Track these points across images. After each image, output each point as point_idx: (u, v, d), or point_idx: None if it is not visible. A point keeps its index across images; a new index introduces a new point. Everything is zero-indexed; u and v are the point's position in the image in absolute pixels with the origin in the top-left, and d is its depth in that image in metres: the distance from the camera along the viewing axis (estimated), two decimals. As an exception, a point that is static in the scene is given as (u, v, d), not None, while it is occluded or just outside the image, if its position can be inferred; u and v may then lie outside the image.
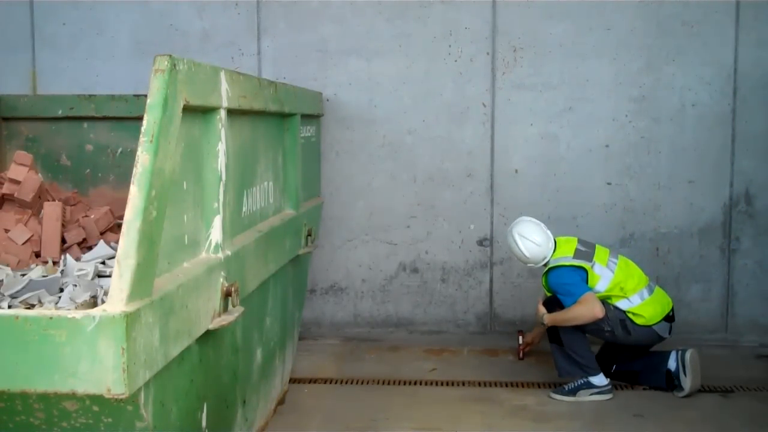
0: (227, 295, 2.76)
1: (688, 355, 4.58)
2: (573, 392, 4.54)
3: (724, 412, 4.37)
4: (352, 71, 5.62)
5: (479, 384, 4.81)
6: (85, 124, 4.49)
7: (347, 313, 5.78)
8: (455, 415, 4.33)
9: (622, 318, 4.52)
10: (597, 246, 4.70)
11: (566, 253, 4.60)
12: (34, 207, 3.72)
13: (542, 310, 4.61)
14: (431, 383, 4.84)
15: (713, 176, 5.54)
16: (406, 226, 5.69)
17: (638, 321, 4.53)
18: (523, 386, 4.77)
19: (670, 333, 4.67)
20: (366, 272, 5.74)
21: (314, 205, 4.74)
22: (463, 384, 4.80)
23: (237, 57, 5.64)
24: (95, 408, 2.08)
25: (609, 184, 5.58)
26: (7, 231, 3.55)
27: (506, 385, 4.79)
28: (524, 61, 5.55)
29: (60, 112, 4.46)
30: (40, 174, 3.93)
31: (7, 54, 5.71)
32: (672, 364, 4.61)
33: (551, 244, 4.64)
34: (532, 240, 4.61)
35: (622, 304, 4.53)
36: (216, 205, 2.76)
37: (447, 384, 4.83)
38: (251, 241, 3.17)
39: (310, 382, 4.84)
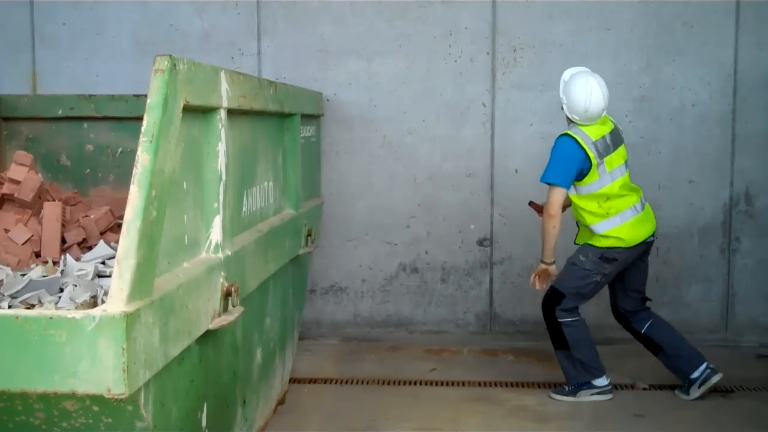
0: (227, 295, 2.76)
1: (715, 378, 4.50)
2: (573, 392, 4.53)
3: (724, 412, 4.37)
4: (352, 71, 5.62)
5: (479, 384, 4.81)
6: (85, 124, 4.49)
7: (347, 313, 5.78)
8: (455, 415, 4.33)
9: (600, 254, 4.41)
10: (620, 147, 4.48)
11: (590, 133, 4.37)
12: (34, 207, 3.71)
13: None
14: (431, 383, 4.84)
15: (713, 176, 5.54)
16: (406, 226, 5.69)
17: (619, 245, 4.38)
18: (523, 386, 4.77)
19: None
20: (366, 272, 5.74)
21: (314, 205, 4.74)
22: (463, 384, 4.80)
23: (237, 57, 5.64)
24: (95, 408, 2.08)
25: (609, 184, 5.57)
26: (7, 231, 3.55)
27: (506, 385, 4.79)
28: (524, 61, 5.55)
29: (60, 112, 4.46)
30: (40, 174, 3.93)
31: (7, 54, 5.71)
32: (696, 374, 4.52)
33: (584, 108, 4.34)
34: (572, 91, 4.37)
35: (599, 226, 4.39)
36: (216, 205, 2.76)
37: (447, 384, 4.83)
38: (251, 241, 3.17)
39: (310, 382, 4.84)
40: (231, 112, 2.87)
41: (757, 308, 5.59)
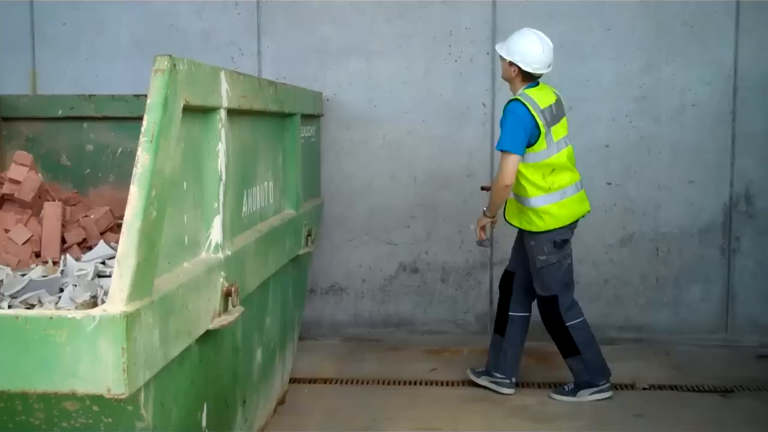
0: (227, 295, 2.76)
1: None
2: (573, 392, 4.53)
3: (724, 412, 4.37)
4: (352, 71, 5.62)
5: (479, 384, 4.80)
6: (85, 124, 4.48)
7: (347, 313, 5.78)
8: (455, 415, 4.33)
9: (551, 242, 4.42)
10: (563, 119, 4.48)
11: (538, 100, 4.34)
12: (34, 207, 3.71)
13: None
14: (431, 383, 4.84)
15: (713, 176, 5.54)
16: (406, 226, 5.69)
17: (558, 225, 4.38)
18: (523, 386, 4.77)
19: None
20: (366, 272, 5.74)
21: (314, 205, 4.74)
22: (463, 384, 4.80)
23: (237, 57, 5.64)
24: (95, 408, 2.08)
25: (609, 184, 5.58)
26: (7, 231, 3.55)
27: (506, 385, 4.78)
28: (524, 61, 5.54)
29: (60, 112, 4.46)
30: (40, 174, 3.92)
31: (7, 54, 5.70)
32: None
33: (540, 55, 4.33)
34: (525, 43, 4.34)
35: (537, 200, 4.38)
36: (216, 205, 2.76)
37: (447, 384, 4.83)
38: (251, 241, 3.17)
39: (310, 382, 4.84)
40: (231, 112, 2.87)
41: (757, 308, 5.59)
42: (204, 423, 2.73)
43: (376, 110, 5.64)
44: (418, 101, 5.61)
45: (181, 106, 2.34)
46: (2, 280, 3.03)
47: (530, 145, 4.33)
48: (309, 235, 4.37)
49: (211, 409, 2.79)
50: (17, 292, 2.90)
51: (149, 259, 2.14)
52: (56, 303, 2.84)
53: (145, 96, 2.22)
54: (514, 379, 4.64)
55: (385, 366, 5.15)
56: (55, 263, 3.40)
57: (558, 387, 4.62)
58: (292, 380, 4.66)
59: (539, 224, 4.41)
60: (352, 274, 5.75)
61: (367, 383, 4.83)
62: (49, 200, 3.80)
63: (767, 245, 5.57)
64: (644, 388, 4.72)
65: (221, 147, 2.77)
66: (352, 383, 4.86)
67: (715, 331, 5.61)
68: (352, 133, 5.65)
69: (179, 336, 2.34)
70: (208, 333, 2.63)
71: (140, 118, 2.21)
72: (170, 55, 2.27)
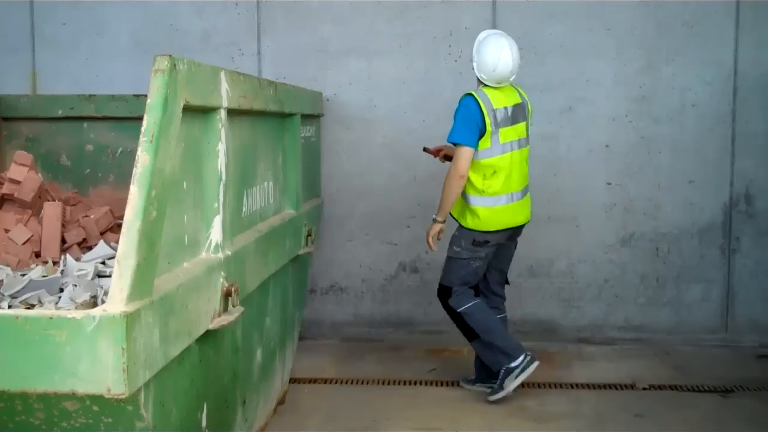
0: (227, 295, 2.76)
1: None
2: (501, 387, 4.46)
3: (724, 412, 4.37)
4: (352, 71, 5.62)
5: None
6: (85, 124, 4.48)
7: (347, 313, 5.77)
8: (455, 415, 4.33)
9: (471, 239, 4.42)
10: (521, 124, 4.46)
11: (493, 99, 4.34)
12: (34, 207, 3.71)
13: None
14: (431, 383, 4.84)
15: (713, 176, 5.54)
16: (406, 226, 5.69)
17: (486, 228, 4.39)
18: (523, 386, 4.75)
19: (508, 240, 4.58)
20: (366, 272, 5.74)
21: (314, 205, 4.74)
22: (463, 384, 4.80)
23: (237, 57, 5.64)
24: (95, 408, 2.08)
25: (609, 184, 5.58)
26: (7, 231, 3.55)
27: (506, 385, 4.78)
28: (524, 61, 5.52)
29: (60, 112, 4.46)
30: (40, 174, 3.92)
31: (7, 54, 5.70)
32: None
33: (492, 68, 4.31)
34: (484, 50, 4.34)
35: (472, 198, 4.40)
36: (216, 205, 2.76)
37: (447, 384, 4.83)
38: (251, 241, 3.17)
39: (310, 382, 4.84)
40: (231, 112, 2.87)
41: (757, 308, 5.59)
42: (204, 423, 2.73)
43: (376, 110, 5.64)
44: (418, 101, 5.61)
45: (181, 106, 2.35)
46: (2, 280, 3.03)
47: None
48: (309, 235, 4.37)
49: (211, 409, 2.79)
50: (17, 292, 2.91)
51: (149, 259, 2.14)
52: (56, 303, 2.84)
53: (145, 96, 2.22)
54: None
55: (385, 366, 5.15)
56: (55, 263, 3.40)
57: (489, 389, 4.54)
58: (292, 380, 4.66)
59: (468, 221, 4.44)
60: (352, 274, 5.74)
61: (367, 383, 4.83)
62: (49, 200, 3.80)
63: (767, 245, 5.57)
64: (644, 388, 4.72)
65: (221, 147, 2.77)
66: (352, 383, 4.86)
67: (715, 331, 5.61)
68: (352, 133, 5.65)
69: (179, 336, 2.34)
70: (208, 333, 2.63)
71: (140, 118, 2.21)
72: (170, 55, 2.27)
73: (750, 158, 5.51)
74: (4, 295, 2.89)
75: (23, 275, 3.11)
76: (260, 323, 3.60)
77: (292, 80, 5.27)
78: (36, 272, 3.15)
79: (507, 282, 4.77)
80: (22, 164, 3.78)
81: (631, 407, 4.43)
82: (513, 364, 4.42)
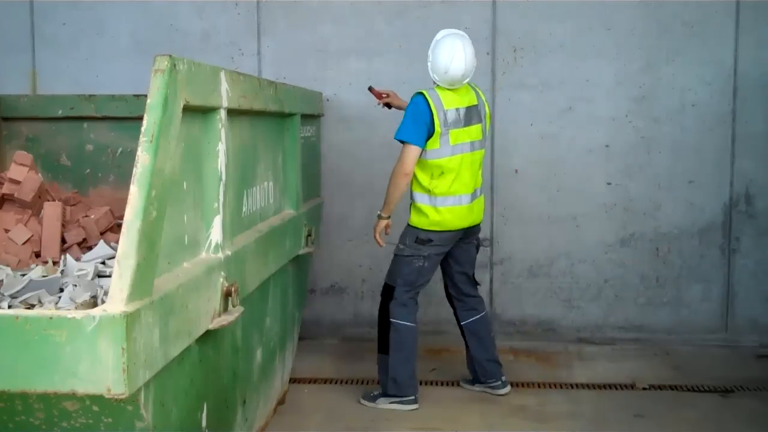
0: (227, 295, 2.76)
1: (502, 390, 4.54)
2: (375, 400, 4.47)
3: (724, 412, 4.37)
4: (352, 71, 5.62)
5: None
6: (85, 124, 4.48)
7: (347, 313, 5.77)
8: (455, 415, 4.33)
9: (415, 236, 4.40)
10: (476, 126, 4.39)
11: (445, 100, 4.29)
12: (34, 207, 3.71)
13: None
14: (431, 383, 4.84)
15: (713, 176, 5.54)
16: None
17: (432, 227, 4.35)
18: (523, 386, 4.77)
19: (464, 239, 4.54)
20: (366, 272, 5.73)
21: (314, 205, 4.74)
22: (463, 384, 4.80)
23: (237, 57, 5.64)
24: (95, 408, 2.08)
25: (609, 184, 5.58)
26: (7, 231, 3.55)
27: (506, 385, 4.78)
28: (524, 61, 5.55)
29: (60, 112, 4.46)
30: (40, 174, 3.92)
31: (7, 54, 5.70)
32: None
33: (444, 69, 4.25)
34: (437, 51, 4.29)
35: (418, 196, 4.38)
36: (216, 205, 2.76)
37: (447, 384, 4.83)
38: (251, 241, 3.17)
39: (310, 382, 4.84)
40: (231, 112, 2.87)
41: (757, 308, 5.59)
42: (204, 423, 2.73)
43: (376, 110, 5.63)
44: (418, 101, 5.60)
45: (181, 106, 2.35)
46: (2, 280, 3.03)
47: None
48: (309, 235, 4.37)
49: (211, 409, 2.79)
50: (17, 292, 2.90)
51: (149, 259, 2.14)
52: (56, 303, 2.84)
53: (145, 96, 2.22)
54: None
55: (385, 366, 5.15)
56: (55, 263, 3.40)
57: (366, 392, 4.56)
58: (292, 380, 4.66)
59: (412, 218, 4.43)
60: (352, 274, 5.74)
61: (367, 383, 4.82)
62: (49, 200, 3.80)
63: (767, 245, 5.57)
64: (644, 388, 4.72)
65: (221, 147, 2.77)
66: (352, 383, 4.86)
67: (715, 331, 5.61)
68: (352, 133, 5.65)
69: (179, 336, 2.34)
70: (208, 333, 2.63)
71: (140, 118, 2.21)
72: (170, 55, 2.27)
73: (750, 158, 5.51)
74: (4, 295, 2.89)
75: (23, 275, 3.11)
76: (260, 323, 3.60)
77: (292, 80, 5.27)
78: (36, 272, 3.15)
79: (477, 283, 4.73)
80: (22, 164, 3.78)
81: (631, 407, 4.43)
82: (398, 393, 4.41)
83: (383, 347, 4.50)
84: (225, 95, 2.78)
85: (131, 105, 4.40)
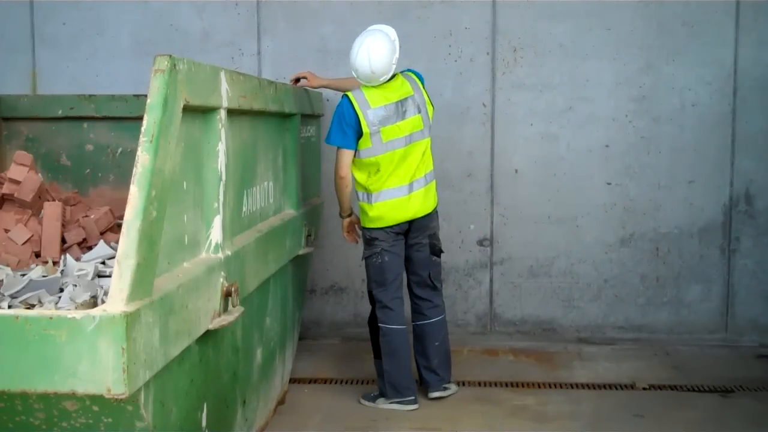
0: (227, 295, 2.76)
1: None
2: (375, 400, 4.46)
3: (724, 412, 4.37)
4: (352, 71, 5.60)
5: (479, 384, 4.81)
6: (85, 124, 4.49)
7: (347, 313, 5.77)
8: (455, 415, 4.33)
9: (365, 236, 4.41)
10: (414, 117, 4.32)
11: (371, 99, 4.24)
12: (34, 207, 3.72)
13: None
14: (431, 383, 4.83)
15: (713, 176, 5.54)
16: (406, 226, 5.67)
17: (374, 225, 4.34)
18: (523, 386, 4.77)
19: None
20: (366, 272, 5.72)
21: (314, 205, 4.74)
22: (463, 384, 4.79)
23: (237, 57, 5.64)
24: (95, 408, 2.08)
25: (609, 184, 5.58)
26: (7, 231, 3.55)
27: (506, 385, 4.79)
28: (524, 61, 5.55)
29: (60, 112, 4.46)
30: (40, 174, 3.93)
31: (7, 54, 5.70)
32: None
33: (353, 67, 4.25)
34: (351, 51, 4.26)
35: (359, 194, 4.38)
36: (216, 205, 2.76)
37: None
38: (251, 241, 3.17)
39: (310, 382, 4.84)
40: (231, 112, 2.87)
41: (757, 308, 5.59)
42: (204, 423, 2.73)
43: (376, 110, 5.63)
44: (418, 101, 5.60)
45: (181, 106, 2.35)
46: (2, 280, 3.03)
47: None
48: (309, 235, 4.37)
49: (211, 409, 2.79)
50: (17, 292, 2.91)
51: (149, 259, 2.14)
52: (56, 303, 2.84)
53: (145, 96, 2.22)
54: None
55: (385, 366, 5.14)
56: (55, 263, 3.40)
57: (365, 392, 4.56)
58: (292, 380, 4.66)
59: (362, 219, 4.45)
60: (352, 274, 5.74)
61: (367, 383, 4.82)
62: (49, 200, 3.80)
63: (767, 245, 5.57)
64: (644, 388, 4.72)
65: (221, 147, 2.77)
66: (352, 383, 4.86)
67: (715, 331, 5.61)
68: (352, 133, 5.63)
69: (179, 336, 2.34)
70: (208, 333, 2.63)
71: (140, 118, 2.21)
72: (170, 55, 2.27)
73: (750, 158, 5.51)
74: (4, 295, 2.89)
75: (23, 275, 3.11)
76: (260, 323, 3.60)
77: (292, 80, 5.27)
78: (36, 272, 3.15)
79: (435, 287, 4.61)
80: (22, 164, 3.78)
81: (631, 407, 4.43)
82: (396, 395, 4.39)
83: (377, 353, 4.52)
84: (225, 95, 2.78)
85: (131, 105, 4.41)
